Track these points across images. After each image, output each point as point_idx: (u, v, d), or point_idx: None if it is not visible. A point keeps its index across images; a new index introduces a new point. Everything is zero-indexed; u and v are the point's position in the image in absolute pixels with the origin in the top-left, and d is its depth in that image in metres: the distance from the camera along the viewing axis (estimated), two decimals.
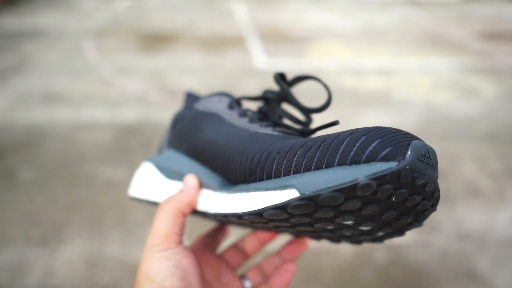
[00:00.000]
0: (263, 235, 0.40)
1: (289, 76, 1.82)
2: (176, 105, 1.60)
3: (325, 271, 0.89)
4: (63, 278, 0.87)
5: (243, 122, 0.33)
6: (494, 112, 1.64)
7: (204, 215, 0.33)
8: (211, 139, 0.32)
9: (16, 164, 1.23)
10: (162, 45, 2.40)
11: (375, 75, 2.01)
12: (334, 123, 0.27)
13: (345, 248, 0.95)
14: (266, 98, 0.35)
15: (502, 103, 1.73)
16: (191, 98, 0.42)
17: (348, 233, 0.30)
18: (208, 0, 3.84)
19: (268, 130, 0.30)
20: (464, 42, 2.60)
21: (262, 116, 0.35)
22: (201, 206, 0.32)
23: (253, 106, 1.52)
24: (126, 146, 1.33)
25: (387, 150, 0.20)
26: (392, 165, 0.20)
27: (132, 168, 1.21)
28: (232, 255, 0.39)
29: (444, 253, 0.95)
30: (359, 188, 0.20)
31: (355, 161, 0.21)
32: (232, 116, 0.34)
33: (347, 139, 0.22)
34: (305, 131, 0.30)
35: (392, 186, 0.20)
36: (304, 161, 0.23)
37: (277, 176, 0.25)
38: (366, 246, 0.96)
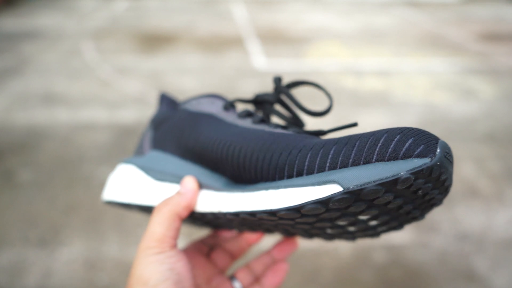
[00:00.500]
0: (250, 236, 0.40)
1: (288, 78, 1.82)
2: None
3: (324, 272, 0.89)
4: (61, 279, 0.87)
5: (247, 123, 0.33)
6: (493, 113, 1.64)
7: (203, 216, 0.33)
8: (215, 139, 0.31)
9: (15, 165, 1.23)
10: (161, 46, 2.40)
11: (374, 76, 2.02)
12: (353, 125, 0.29)
13: (344, 249, 0.95)
14: (262, 100, 0.36)
15: (501, 104, 1.73)
16: (167, 100, 0.41)
17: (352, 229, 0.30)
18: (207, 1, 3.85)
19: (281, 130, 0.30)
20: (463, 43, 2.60)
21: (264, 117, 0.35)
22: (203, 207, 0.32)
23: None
24: (125, 147, 1.33)
25: (421, 147, 0.22)
26: (426, 161, 0.21)
27: None
28: (220, 257, 0.39)
29: (442, 254, 0.95)
30: (400, 181, 0.22)
31: (393, 157, 0.22)
32: (231, 117, 0.34)
33: (383, 137, 0.23)
34: (319, 132, 0.31)
35: (424, 180, 0.22)
36: (340, 158, 0.24)
37: (310, 172, 0.25)
38: (365, 247, 0.96)
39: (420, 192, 0.24)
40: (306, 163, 0.26)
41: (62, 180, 1.16)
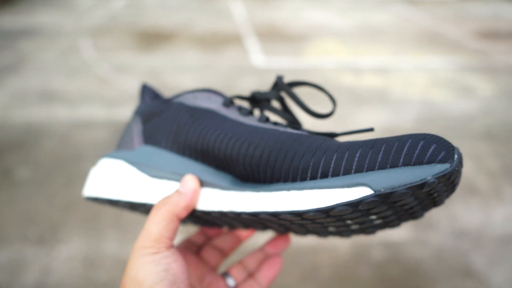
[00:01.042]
0: (241, 232, 0.40)
1: (287, 75, 1.82)
2: None
3: (322, 269, 0.90)
4: (60, 277, 0.87)
5: (252, 121, 0.32)
6: (491, 111, 1.64)
7: (206, 215, 0.32)
8: (223, 136, 0.31)
9: (13, 163, 1.23)
10: (159, 43, 2.39)
11: (373, 74, 2.02)
12: (369, 130, 0.30)
13: (342, 246, 0.95)
14: (263, 98, 0.35)
15: (498, 101, 1.74)
16: (150, 92, 0.41)
17: (356, 227, 0.31)
18: None
19: (294, 130, 0.30)
20: (461, 40, 2.60)
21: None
22: (209, 206, 0.31)
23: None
24: None
25: (442, 154, 0.23)
26: (447, 166, 0.23)
27: None
28: (210, 254, 0.38)
29: (440, 251, 0.95)
30: (427, 185, 0.23)
31: (419, 162, 0.23)
32: (234, 114, 0.33)
33: (408, 142, 0.24)
34: (331, 134, 0.31)
35: (442, 184, 0.24)
36: (367, 161, 0.25)
37: (336, 174, 0.26)
38: (363, 244, 0.96)
39: (435, 194, 0.25)
40: (332, 165, 0.26)
41: (60, 177, 1.16)
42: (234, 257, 0.51)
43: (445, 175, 0.23)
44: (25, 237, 0.96)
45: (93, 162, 1.23)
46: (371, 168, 0.24)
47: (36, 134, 1.39)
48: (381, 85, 1.89)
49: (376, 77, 1.98)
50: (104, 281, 0.86)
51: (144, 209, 0.36)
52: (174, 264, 0.29)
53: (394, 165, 0.24)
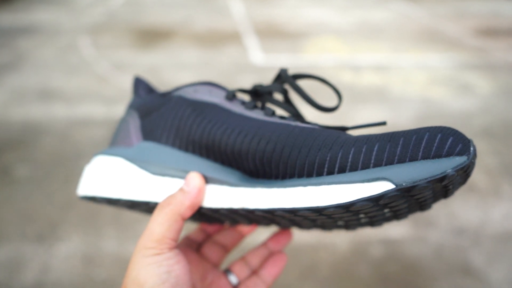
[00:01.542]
0: (243, 228, 0.39)
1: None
2: None
3: (321, 267, 0.90)
4: (59, 274, 0.87)
5: (259, 115, 0.31)
6: (490, 108, 1.65)
7: (213, 212, 0.31)
8: (231, 131, 0.30)
9: (12, 161, 1.23)
10: (158, 41, 2.39)
11: (372, 71, 2.02)
12: (382, 123, 0.30)
13: (342, 244, 0.96)
14: (266, 91, 0.35)
15: (497, 99, 1.74)
16: (144, 86, 0.40)
17: (365, 220, 0.31)
18: None
19: (304, 124, 0.30)
20: (460, 38, 2.60)
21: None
22: (217, 203, 0.30)
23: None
24: None
25: (460, 146, 0.23)
26: (464, 159, 0.23)
27: None
28: (212, 251, 0.37)
29: (439, 248, 0.95)
30: (447, 178, 0.23)
31: (438, 156, 0.23)
32: (238, 108, 0.32)
33: (426, 136, 0.24)
34: (342, 128, 0.31)
35: (459, 176, 0.24)
36: (385, 155, 0.24)
37: (354, 169, 0.25)
38: (363, 241, 0.96)
39: (450, 186, 0.25)
40: (350, 159, 0.26)
41: (59, 175, 1.16)
42: (234, 254, 0.51)
43: (463, 167, 0.23)
44: (24, 235, 0.96)
45: None
46: (390, 162, 0.24)
47: (35, 132, 1.39)
48: (380, 82, 1.89)
49: (375, 74, 1.98)
50: (103, 279, 0.86)
51: (147, 207, 0.35)
52: (176, 266, 0.28)
53: (413, 159, 0.24)
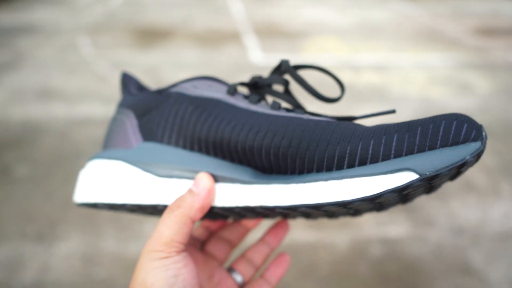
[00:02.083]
0: (248, 222, 0.38)
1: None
2: None
3: (321, 266, 0.90)
4: (59, 274, 0.87)
5: (265, 109, 0.31)
6: (489, 108, 1.65)
7: (226, 211, 0.31)
8: (241, 127, 0.29)
9: (11, 160, 1.23)
10: (158, 41, 2.39)
11: (371, 71, 2.02)
12: (391, 111, 0.31)
13: (341, 243, 0.96)
14: (267, 84, 0.34)
15: (496, 98, 1.74)
16: (134, 82, 0.39)
17: (377, 207, 0.31)
18: None
19: (316, 117, 0.30)
20: (459, 37, 2.60)
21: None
22: (230, 202, 0.29)
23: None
24: None
25: (474, 132, 0.24)
26: (479, 144, 0.23)
27: None
28: (217, 248, 0.37)
29: (438, 248, 0.95)
30: (466, 164, 0.24)
31: (455, 143, 0.24)
32: (243, 103, 0.32)
33: (443, 124, 0.24)
34: (350, 118, 0.31)
35: (474, 161, 0.25)
36: (405, 145, 0.25)
37: (374, 161, 0.25)
38: (362, 241, 0.96)
39: (462, 171, 0.26)
40: (370, 151, 0.26)
41: (59, 175, 1.16)
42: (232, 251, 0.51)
43: (479, 153, 0.23)
44: (24, 234, 0.96)
45: None
46: (410, 152, 0.25)
47: (34, 132, 1.39)
48: (379, 82, 1.89)
49: (375, 74, 1.98)
50: (102, 278, 0.86)
51: (154, 210, 0.34)
52: (184, 269, 0.28)
53: (432, 147, 0.24)
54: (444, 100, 1.70)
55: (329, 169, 0.27)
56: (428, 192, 0.30)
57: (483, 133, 0.24)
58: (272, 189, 0.28)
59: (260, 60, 2.14)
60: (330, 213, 0.30)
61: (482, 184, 1.16)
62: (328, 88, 1.52)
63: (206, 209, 0.29)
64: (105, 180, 0.33)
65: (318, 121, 0.29)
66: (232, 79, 1.86)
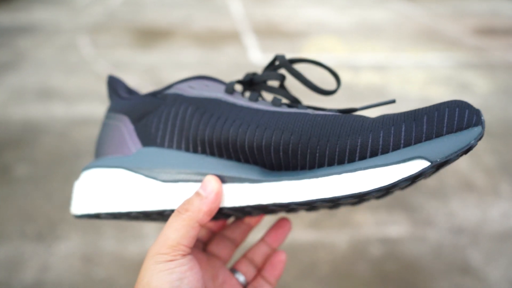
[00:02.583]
0: (250, 219, 0.38)
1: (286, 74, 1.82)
2: None
3: (320, 265, 0.90)
4: (59, 273, 0.87)
5: (267, 106, 0.31)
6: (488, 107, 1.65)
7: (236, 211, 0.30)
8: (247, 125, 0.29)
9: (11, 160, 1.23)
10: (157, 41, 2.39)
11: (371, 70, 2.02)
12: (391, 101, 0.32)
13: (341, 243, 0.96)
14: (264, 80, 0.34)
15: (496, 98, 1.74)
16: (122, 86, 0.38)
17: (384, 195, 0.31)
18: None
19: (324, 112, 0.30)
20: (459, 37, 2.61)
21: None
22: (241, 201, 0.29)
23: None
24: None
25: (475, 117, 0.25)
26: (480, 129, 0.25)
27: None
28: (221, 247, 0.36)
29: (438, 247, 0.95)
30: (471, 149, 0.25)
31: (459, 128, 0.25)
32: (243, 101, 0.31)
33: (447, 111, 0.26)
34: (351, 110, 0.31)
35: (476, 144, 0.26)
36: (413, 134, 0.26)
37: (385, 151, 0.26)
38: (362, 240, 0.96)
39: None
40: (381, 142, 0.26)
41: (58, 174, 1.16)
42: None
43: (481, 136, 0.25)
44: (24, 234, 0.96)
45: (91, 159, 1.23)
46: (418, 141, 0.25)
47: (34, 131, 1.39)
48: (379, 82, 1.89)
49: (375, 74, 1.98)
50: (102, 277, 0.86)
51: (161, 216, 0.33)
52: (189, 272, 0.27)
53: (439, 134, 0.25)
54: (444, 100, 1.70)
55: (340, 162, 0.27)
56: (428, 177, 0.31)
57: (482, 118, 0.25)
58: (284, 186, 0.28)
59: (260, 60, 2.14)
60: (337, 204, 0.31)
61: (481, 184, 1.16)
62: (327, 86, 1.52)
63: (214, 213, 0.29)
64: (107, 189, 0.32)
65: (325, 115, 0.29)
66: (232, 79, 1.85)
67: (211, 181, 0.29)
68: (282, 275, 0.86)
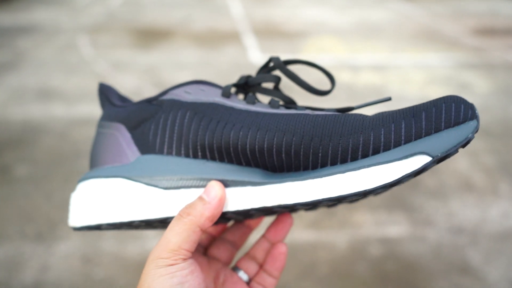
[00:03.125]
0: (249, 221, 0.38)
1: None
2: None
3: (320, 265, 0.90)
4: (58, 273, 0.87)
5: (265, 108, 0.31)
6: (488, 107, 1.65)
7: (239, 214, 0.30)
8: (247, 129, 0.29)
9: (11, 160, 1.23)
10: (157, 41, 2.39)
11: (370, 71, 2.02)
12: (387, 99, 0.32)
13: (340, 243, 0.96)
14: (260, 82, 0.34)
15: (495, 98, 1.74)
16: (114, 93, 0.38)
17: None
18: None
19: (324, 112, 0.30)
20: (458, 37, 2.61)
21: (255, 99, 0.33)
22: (244, 205, 0.29)
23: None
24: None
25: (470, 112, 0.26)
26: (476, 122, 0.25)
27: None
28: (221, 250, 0.36)
29: (437, 247, 0.95)
30: (469, 141, 0.25)
31: (457, 123, 0.26)
32: (241, 104, 0.31)
33: (443, 107, 0.26)
34: (348, 109, 0.31)
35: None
36: (413, 130, 0.26)
37: (387, 148, 0.27)
38: (361, 240, 0.96)
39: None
40: (382, 140, 0.27)
41: (58, 175, 1.16)
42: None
43: (477, 130, 0.25)
44: (24, 234, 0.96)
45: None
46: (418, 136, 0.26)
47: (34, 132, 1.39)
48: (379, 82, 1.89)
49: (374, 74, 1.98)
50: (101, 278, 0.86)
51: (163, 224, 0.33)
52: (190, 276, 0.27)
53: (438, 130, 0.26)
54: None
55: (343, 161, 0.28)
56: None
57: (476, 111, 0.26)
58: (288, 187, 0.28)
59: (260, 60, 2.14)
60: (338, 203, 0.31)
61: (481, 184, 1.17)
62: (325, 86, 1.53)
63: (216, 218, 0.28)
64: (107, 200, 0.32)
65: (326, 115, 0.29)
66: (232, 79, 1.86)
67: (215, 187, 0.28)
68: (282, 275, 0.87)
